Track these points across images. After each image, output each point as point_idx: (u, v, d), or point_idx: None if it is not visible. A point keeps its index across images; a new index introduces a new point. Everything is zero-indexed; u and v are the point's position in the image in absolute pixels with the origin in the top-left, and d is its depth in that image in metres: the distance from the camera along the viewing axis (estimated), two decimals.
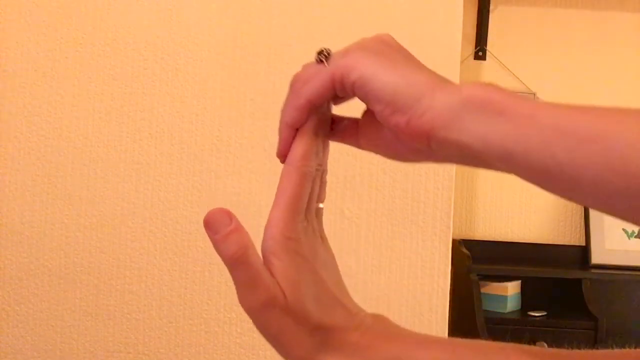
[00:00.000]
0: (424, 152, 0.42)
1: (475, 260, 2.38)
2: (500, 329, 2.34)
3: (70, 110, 1.20)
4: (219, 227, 0.42)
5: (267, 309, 0.41)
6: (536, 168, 0.37)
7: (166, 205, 1.20)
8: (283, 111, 0.46)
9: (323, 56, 0.45)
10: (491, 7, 2.68)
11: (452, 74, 1.20)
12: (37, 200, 1.20)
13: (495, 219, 2.73)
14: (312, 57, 0.45)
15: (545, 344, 2.34)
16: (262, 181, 1.20)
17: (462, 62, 1.39)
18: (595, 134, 0.35)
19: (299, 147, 0.45)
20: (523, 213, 2.68)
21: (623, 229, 2.51)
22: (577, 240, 2.67)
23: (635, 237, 2.50)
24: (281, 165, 0.47)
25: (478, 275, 2.38)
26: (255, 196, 1.19)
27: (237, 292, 0.42)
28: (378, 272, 1.20)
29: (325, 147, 0.47)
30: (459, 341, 0.45)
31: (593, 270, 2.52)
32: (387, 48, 0.44)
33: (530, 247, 2.65)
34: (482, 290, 2.41)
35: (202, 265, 1.20)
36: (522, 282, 2.54)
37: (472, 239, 2.66)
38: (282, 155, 0.46)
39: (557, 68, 2.74)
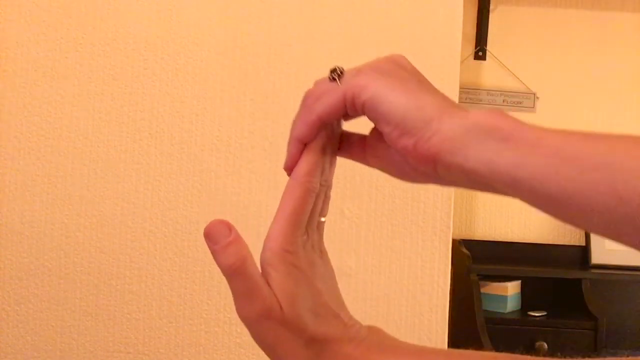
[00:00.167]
0: (431, 174, 0.43)
1: (475, 260, 2.38)
2: (500, 329, 2.34)
3: (70, 110, 1.20)
4: (219, 238, 0.42)
5: (263, 319, 0.42)
6: (541, 195, 0.37)
7: (166, 205, 1.20)
8: (293, 125, 0.46)
9: (336, 74, 0.45)
10: (491, 7, 2.69)
11: (452, 74, 1.20)
12: (37, 200, 1.20)
13: (495, 219, 2.73)
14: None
15: (545, 344, 2.34)
16: (262, 181, 1.20)
17: (462, 62, 1.39)
18: (600, 162, 0.36)
19: (306, 163, 0.46)
20: (523, 213, 2.68)
21: None
22: (577, 240, 2.68)
23: None
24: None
25: (478, 275, 2.38)
26: (255, 196, 1.19)
27: (235, 303, 0.43)
28: (378, 272, 1.20)
29: (331, 164, 0.48)
30: (453, 352, 0.46)
31: (593, 270, 2.52)
32: (400, 70, 0.45)
33: (530, 247, 2.65)
34: (482, 290, 2.41)
35: (202, 265, 1.20)
36: (522, 282, 2.54)
37: (472, 239, 2.67)
38: (289, 169, 0.46)
39: (557, 68, 2.74)
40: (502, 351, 0.47)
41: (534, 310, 2.47)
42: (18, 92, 1.20)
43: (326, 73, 0.46)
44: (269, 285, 0.43)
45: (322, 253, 0.48)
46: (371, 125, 0.46)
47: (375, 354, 0.44)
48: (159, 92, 1.20)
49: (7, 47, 1.20)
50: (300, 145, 0.46)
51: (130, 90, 1.20)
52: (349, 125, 0.49)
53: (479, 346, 2.14)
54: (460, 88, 1.22)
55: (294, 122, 0.46)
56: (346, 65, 0.46)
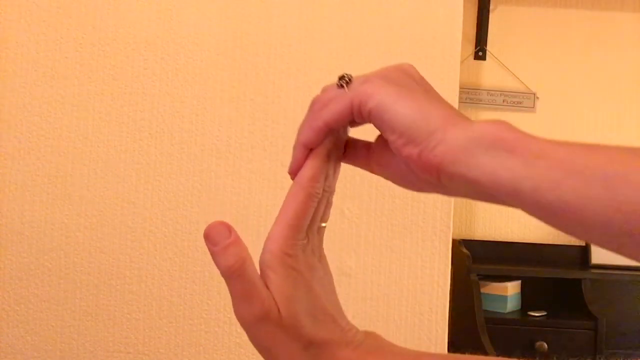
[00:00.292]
0: (435, 184, 0.43)
1: (475, 260, 2.38)
2: (500, 329, 2.34)
3: (70, 110, 1.20)
4: (218, 239, 0.42)
5: (261, 322, 0.42)
6: (544, 206, 0.38)
7: (166, 205, 1.20)
8: (300, 130, 0.47)
9: (344, 81, 0.45)
10: (491, 7, 2.69)
11: (452, 74, 1.20)
12: (37, 200, 1.20)
13: (495, 219, 2.73)
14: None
15: (545, 344, 2.34)
16: (262, 181, 1.20)
17: (462, 62, 1.39)
18: (604, 175, 0.36)
19: (310, 168, 0.46)
20: (523, 213, 2.68)
21: None
22: (577, 240, 2.68)
23: None
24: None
25: (478, 275, 2.38)
26: (255, 196, 1.19)
27: (233, 304, 0.43)
28: (378, 272, 1.20)
29: (335, 170, 0.48)
30: (450, 356, 0.46)
31: (593, 270, 2.52)
32: (408, 79, 0.45)
33: (530, 247, 2.65)
34: (482, 290, 2.42)
35: (202, 265, 1.20)
36: (522, 282, 2.54)
37: (472, 239, 2.67)
38: (293, 173, 0.47)
39: (557, 68, 2.74)
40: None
41: (534, 310, 2.48)
42: (18, 92, 1.20)
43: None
44: (267, 287, 0.43)
45: (321, 258, 0.48)
46: (377, 132, 0.46)
47: (372, 358, 0.45)
48: (159, 92, 1.20)
49: (7, 47, 1.20)
50: (305, 150, 0.46)
51: (130, 90, 1.20)
52: (354, 132, 0.49)
53: (479, 346, 2.14)
54: (460, 88, 1.22)
55: (301, 127, 0.47)
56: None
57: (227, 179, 1.20)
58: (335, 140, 0.47)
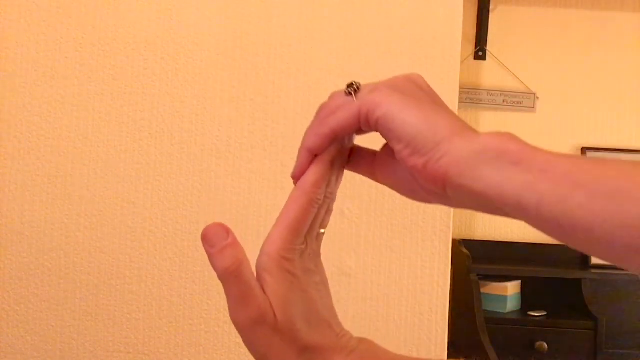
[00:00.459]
0: (440, 195, 0.43)
1: (475, 260, 2.38)
2: (500, 329, 2.34)
3: (70, 110, 1.20)
4: (216, 241, 0.42)
5: (256, 325, 0.42)
6: (549, 220, 0.38)
7: (166, 205, 1.20)
8: (306, 136, 0.47)
9: (352, 89, 0.46)
10: (491, 7, 2.69)
11: (452, 74, 1.20)
12: (37, 200, 1.20)
13: (495, 219, 2.73)
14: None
15: (545, 344, 2.34)
16: (262, 181, 1.20)
17: (462, 62, 1.39)
18: (609, 190, 0.35)
19: (313, 174, 0.46)
20: None
21: None
22: None
23: None
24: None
25: (478, 275, 2.38)
26: (255, 196, 1.19)
27: (229, 307, 0.43)
28: (378, 272, 1.20)
29: (338, 177, 0.48)
30: None
31: (593, 270, 2.52)
32: (416, 89, 0.45)
33: (530, 247, 2.65)
34: (482, 290, 2.41)
35: (202, 265, 1.20)
36: (522, 282, 2.54)
37: (472, 239, 2.67)
38: (296, 178, 0.47)
39: (557, 68, 2.74)
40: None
41: (534, 310, 2.47)
42: (18, 92, 1.20)
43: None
44: (263, 290, 0.43)
45: (318, 263, 0.48)
46: (383, 141, 0.46)
47: None
48: (159, 92, 1.20)
49: (7, 47, 1.20)
50: (310, 156, 0.46)
51: (130, 90, 1.20)
52: (360, 140, 0.49)
53: (479, 346, 2.14)
54: (460, 88, 1.22)
55: (307, 133, 0.47)
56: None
57: (227, 179, 1.20)
58: (340, 148, 0.47)
